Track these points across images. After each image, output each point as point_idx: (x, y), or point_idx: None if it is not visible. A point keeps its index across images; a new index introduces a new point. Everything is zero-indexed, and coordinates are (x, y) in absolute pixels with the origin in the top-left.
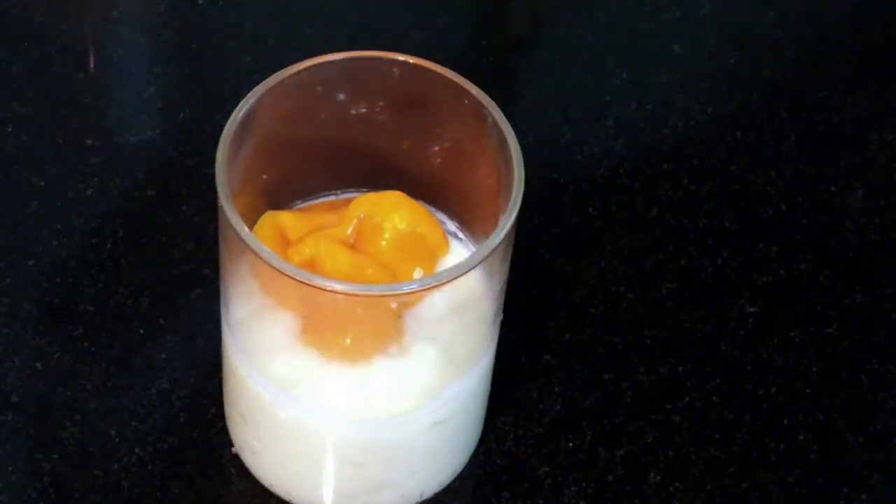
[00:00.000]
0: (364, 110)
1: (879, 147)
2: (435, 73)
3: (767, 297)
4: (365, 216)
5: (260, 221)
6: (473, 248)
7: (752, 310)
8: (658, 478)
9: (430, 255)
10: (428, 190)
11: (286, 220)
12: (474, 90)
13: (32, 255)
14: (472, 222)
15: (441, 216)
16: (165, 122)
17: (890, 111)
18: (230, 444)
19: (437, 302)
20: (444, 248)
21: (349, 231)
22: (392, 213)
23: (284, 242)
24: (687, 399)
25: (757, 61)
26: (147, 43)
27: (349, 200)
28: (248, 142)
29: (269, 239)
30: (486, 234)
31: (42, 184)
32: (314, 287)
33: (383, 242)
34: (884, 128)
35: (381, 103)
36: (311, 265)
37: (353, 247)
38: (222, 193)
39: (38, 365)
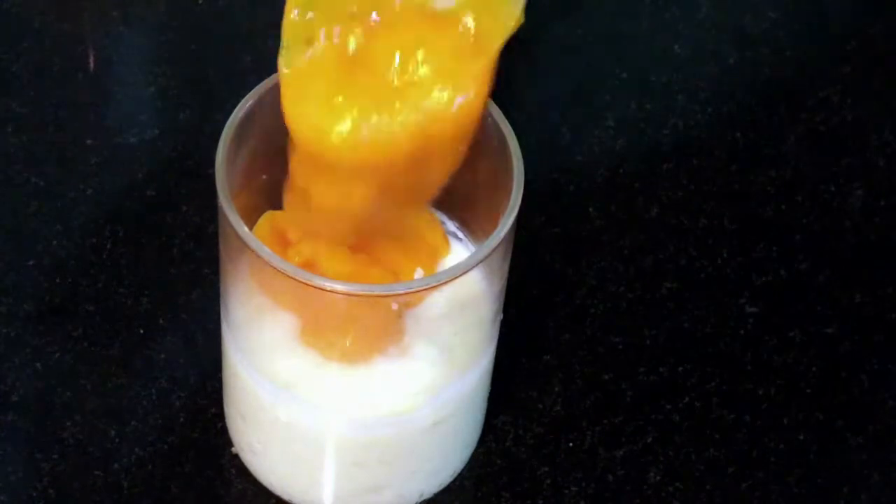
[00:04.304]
0: None
1: (879, 147)
2: None
3: (767, 297)
4: None
5: (260, 221)
6: (473, 248)
7: (752, 310)
8: (658, 478)
9: (430, 255)
10: None
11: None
12: None
13: (32, 255)
14: (472, 222)
15: (441, 216)
16: (165, 122)
17: (890, 111)
18: (230, 444)
19: (438, 302)
20: (444, 248)
21: None
22: None
23: (284, 242)
24: (687, 399)
25: (757, 61)
26: (147, 43)
27: None
28: (248, 142)
29: (269, 239)
30: (486, 234)
31: (42, 184)
32: (314, 287)
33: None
34: (884, 128)
35: None
36: (311, 265)
37: (352, 247)
38: (222, 193)
39: (38, 365)
